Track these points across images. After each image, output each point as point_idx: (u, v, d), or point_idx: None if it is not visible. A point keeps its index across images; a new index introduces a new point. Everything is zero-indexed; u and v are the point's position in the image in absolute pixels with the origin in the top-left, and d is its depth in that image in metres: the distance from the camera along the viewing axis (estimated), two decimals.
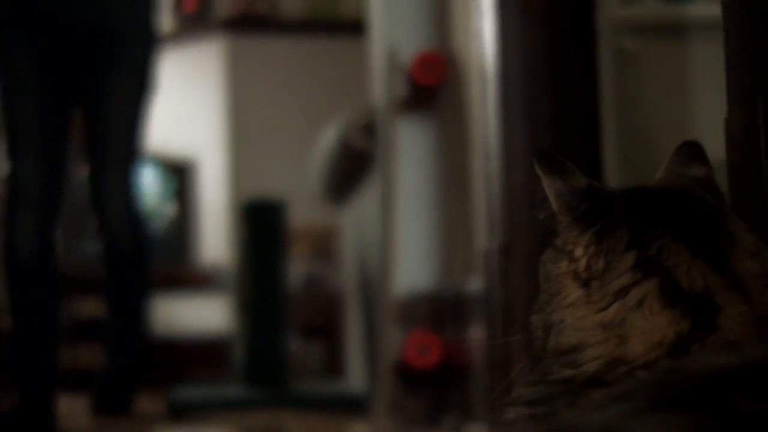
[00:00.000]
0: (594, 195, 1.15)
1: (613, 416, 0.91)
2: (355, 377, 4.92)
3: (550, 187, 1.15)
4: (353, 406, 4.39)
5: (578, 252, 1.14)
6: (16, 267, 3.86)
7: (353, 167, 4.41)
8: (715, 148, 1.46)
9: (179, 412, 4.58)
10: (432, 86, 3.69)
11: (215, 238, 7.22)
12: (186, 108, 7.79)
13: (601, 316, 1.12)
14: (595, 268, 1.13)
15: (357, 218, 4.82)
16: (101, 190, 4.10)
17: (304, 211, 6.23)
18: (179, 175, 6.74)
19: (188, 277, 6.76)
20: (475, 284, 3.00)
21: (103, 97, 4.07)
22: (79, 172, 5.96)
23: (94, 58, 3.98)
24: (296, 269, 6.48)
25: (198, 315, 7.30)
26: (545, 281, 1.18)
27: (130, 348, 4.38)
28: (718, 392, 0.92)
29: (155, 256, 6.60)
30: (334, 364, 6.37)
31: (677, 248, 1.10)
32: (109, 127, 4.12)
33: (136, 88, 4.16)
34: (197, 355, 7.02)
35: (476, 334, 2.96)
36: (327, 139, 4.56)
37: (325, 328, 6.64)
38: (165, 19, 7.74)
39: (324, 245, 6.98)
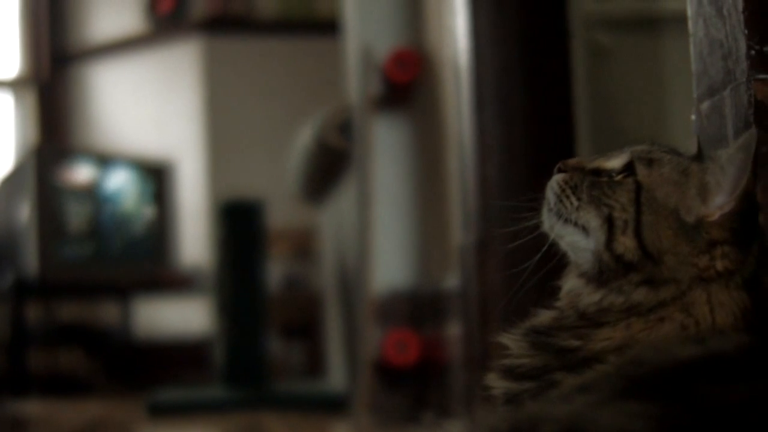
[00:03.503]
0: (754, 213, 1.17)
1: (579, 406, 0.92)
2: (336, 376, 4.92)
3: (747, 178, 1.16)
4: (334, 405, 4.39)
5: (717, 252, 1.17)
6: None
7: (330, 166, 4.40)
8: (688, 139, 1.46)
9: (160, 413, 4.58)
10: (406, 83, 3.69)
11: (194, 239, 7.21)
12: (162, 110, 7.78)
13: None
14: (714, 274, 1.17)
15: (335, 217, 4.82)
16: None
17: (283, 211, 6.22)
18: (157, 177, 6.72)
19: (168, 279, 6.74)
20: (452, 281, 3.00)
21: None
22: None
23: None
24: (275, 270, 6.47)
25: (178, 317, 7.29)
26: (670, 254, 1.17)
27: None
28: (680, 381, 0.93)
29: (134, 259, 6.59)
30: (314, 364, 6.36)
31: None
32: None
33: None
34: (178, 357, 7.01)
35: (454, 330, 2.96)
36: (303, 138, 4.55)
37: (305, 328, 6.64)
38: (139, 20, 7.73)
39: (303, 245, 6.97)
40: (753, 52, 1.30)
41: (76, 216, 6.22)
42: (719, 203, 1.17)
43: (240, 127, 7.55)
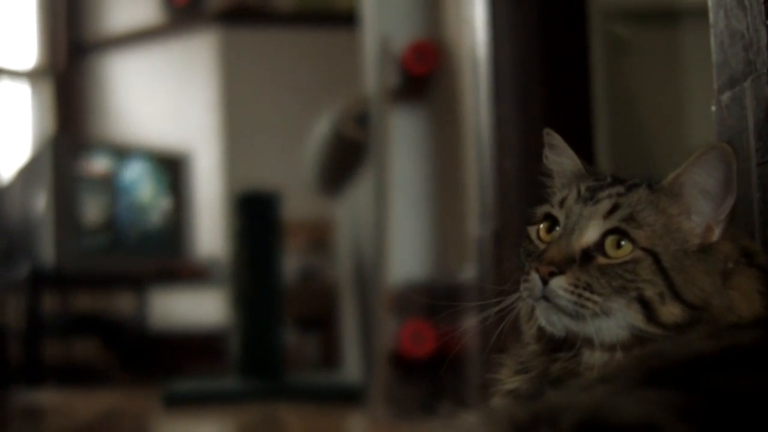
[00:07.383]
0: None
1: (600, 395, 0.92)
2: (351, 368, 4.92)
3: (734, 192, 1.19)
4: (349, 397, 4.39)
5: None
6: None
7: (346, 158, 4.40)
8: (707, 132, 1.46)
9: (175, 404, 4.59)
10: (424, 75, 3.68)
11: (210, 231, 7.22)
12: (179, 101, 7.79)
13: None
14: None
15: (351, 209, 4.82)
16: None
17: (299, 203, 6.22)
18: (173, 168, 6.72)
19: (183, 271, 6.75)
20: (468, 273, 3.00)
21: None
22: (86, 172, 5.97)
23: None
24: (291, 261, 6.48)
25: (194, 308, 7.30)
26: (716, 295, 1.16)
27: None
28: (699, 372, 0.94)
29: (150, 250, 6.60)
30: (329, 356, 6.37)
31: None
32: None
33: None
34: (193, 348, 7.02)
35: (470, 322, 2.95)
36: (320, 129, 4.55)
37: (320, 319, 6.64)
38: (157, 12, 7.73)
39: (319, 237, 6.97)
40: None
41: (93, 207, 6.23)
42: (709, 219, 1.18)
43: (256, 119, 7.56)
